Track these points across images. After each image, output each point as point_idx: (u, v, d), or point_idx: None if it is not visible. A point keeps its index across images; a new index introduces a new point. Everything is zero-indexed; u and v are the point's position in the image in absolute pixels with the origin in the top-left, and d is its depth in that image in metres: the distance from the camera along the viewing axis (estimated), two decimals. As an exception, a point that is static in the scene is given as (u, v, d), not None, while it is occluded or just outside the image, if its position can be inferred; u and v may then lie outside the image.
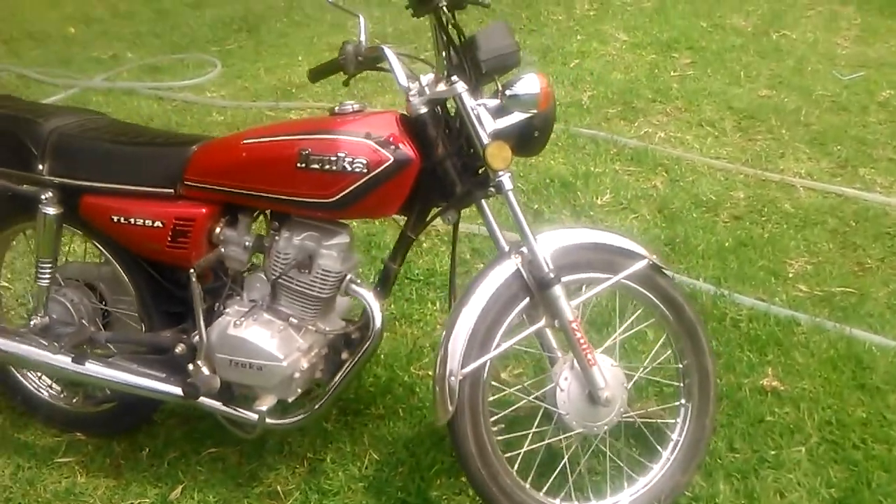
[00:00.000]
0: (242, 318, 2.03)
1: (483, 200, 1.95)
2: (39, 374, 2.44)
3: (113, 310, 2.34)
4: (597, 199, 3.40)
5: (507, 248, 1.94)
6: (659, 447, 2.11)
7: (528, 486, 1.98)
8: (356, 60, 1.97)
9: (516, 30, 5.27)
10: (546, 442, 2.04)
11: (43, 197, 2.13)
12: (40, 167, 2.12)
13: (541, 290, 1.89)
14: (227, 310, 2.08)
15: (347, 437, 2.35)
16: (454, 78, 1.87)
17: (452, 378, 1.88)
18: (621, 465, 2.08)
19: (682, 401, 2.11)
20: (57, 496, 2.22)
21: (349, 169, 1.87)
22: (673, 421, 2.11)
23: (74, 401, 2.43)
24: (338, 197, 1.90)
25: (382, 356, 2.60)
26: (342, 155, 1.87)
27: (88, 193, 2.13)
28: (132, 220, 2.09)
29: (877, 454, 2.17)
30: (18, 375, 2.45)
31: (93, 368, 2.18)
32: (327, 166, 1.88)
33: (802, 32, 5.22)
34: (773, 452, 2.19)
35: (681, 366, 2.10)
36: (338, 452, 2.30)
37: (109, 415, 2.41)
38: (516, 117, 1.92)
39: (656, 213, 3.31)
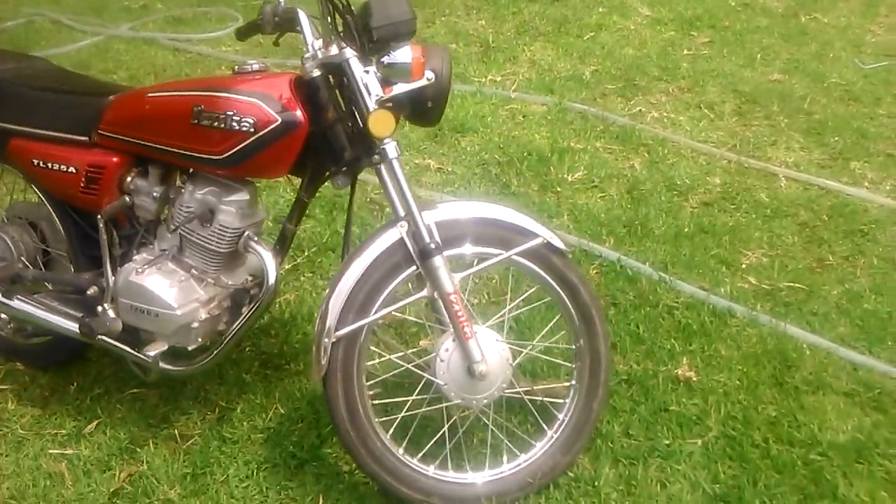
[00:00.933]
0: (146, 266, 2.10)
1: (382, 166, 1.95)
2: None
3: (52, 250, 2.45)
4: (568, 175, 3.35)
5: (402, 215, 1.94)
6: (545, 425, 2.11)
7: (401, 450, 2.02)
8: (273, 21, 1.99)
9: (538, -1, 5.21)
10: (423, 410, 2.07)
11: None
12: None
13: (422, 259, 1.90)
14: (136, 257, 2.16)
15: (262, 389, 2.41)
16: (343, 43, 1.88)
17: (326, 339, 1.92)
18: (503, 439, 2.09)
19: (573, 382, 2.10)
20: (-18, 420, 2.36)
21: (237, 128, 1.91)
22: (561, 401, 2.11)
23: (11, 332, 2.56)
24: (227, 154, 1.94)
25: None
26: (231, 113, 1.91)
27: (14, 136, 2.22)
28: (50, 165, 2.17)
29: (774, 454, 2.12)
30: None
31: (14, 303, 2.30)
32: (217, 123, 1.92)
33: (836, 17, 4.98)
34: (666, 442, 2.17)
35: (574, 347, 2.10)
36: (248, 403, 2.37)
37: (44, 348, 2.52)
38: (404, 87, 1.92)
39: (624, 193, 3.25)
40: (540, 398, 2.13)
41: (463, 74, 4.32)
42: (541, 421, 2.12)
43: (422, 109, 1.98)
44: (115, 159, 2.12)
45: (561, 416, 2.09)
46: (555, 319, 2.15)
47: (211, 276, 2.12)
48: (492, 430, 2.09)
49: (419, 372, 2.03)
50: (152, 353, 2.08)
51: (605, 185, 3.31)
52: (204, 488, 2.13)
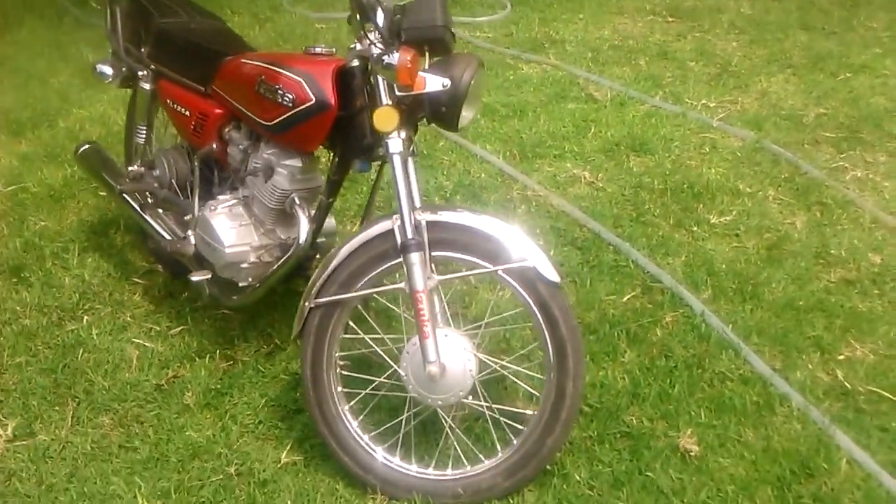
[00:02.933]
0: (220, 206, 2.45)
1: (397, 159, 2.06)
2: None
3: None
4: (714, 217, 3.15)
5: (405, 209, 2.05)
6: (499, 446, 2.12)
7: (356, 423, 2.16)
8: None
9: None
10: (383, 393, 2.18)
11: (140, 73, 2.73)
12: (143, 50, 2.72)
13: (401, 253, 2.01)
14: (219, 196, 2.51)
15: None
16: (373, 39, 2.01)
17: (306, 303, 2.11)
18: (454, 445, 2.13)
19: (535, 412, 2.08)
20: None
21: (281, 101, 2.15)
22: (520, 427, 2.10)
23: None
24: (273, 123, 2.20)
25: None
26: (279, 87, 2.15)
27: (163, 77, 2.68)
28: (176, 106, 2.59)
29: None
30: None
31: (135, 205, 2.80)
32: (269, 94, 2.18)
33: None
34: (622, 504, 2.06)
35: (544, 377, 2.07)
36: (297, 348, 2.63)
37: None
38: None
39: (762, 249, 2.98)
40: (500, 417, 2.13)
41: (680, 95, 4.16)
42: (496, 440, 2.13)
43: (438, 114, 2.07)
44: (217, 111, 2.47)
45: (515, 442, 2.09)
46: (533, 345, 2.13)
47: (267, 226, 2.41)
48: (447, 434, 2.15)
49: (384, 357, 2.15)
50: (195, 278, 2.44)
51: (748, 236, 3.05)
52: (217, 404, 2.45)
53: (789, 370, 2.44)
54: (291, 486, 2.17)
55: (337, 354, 2.16)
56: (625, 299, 2.75)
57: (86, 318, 2.84)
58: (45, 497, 2.18)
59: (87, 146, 3.07)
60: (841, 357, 2.49)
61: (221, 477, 2.22)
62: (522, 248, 2.02)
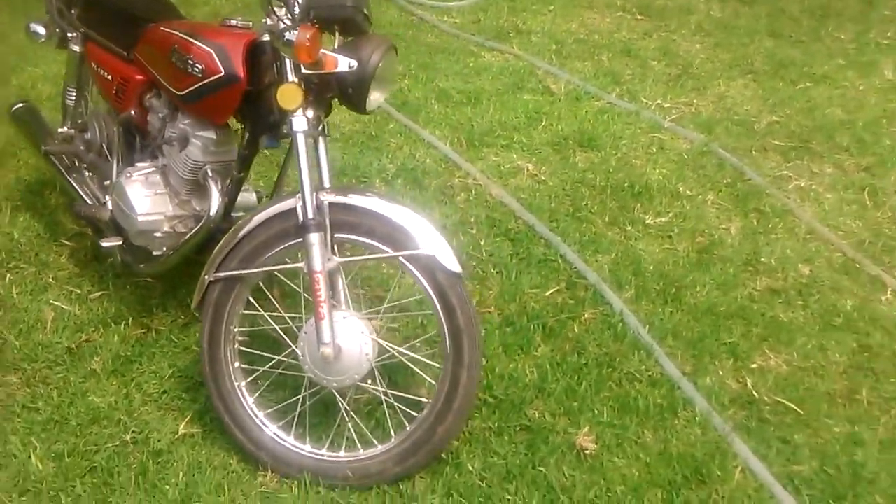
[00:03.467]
0: (136, 173, 2.43)
1: (300, 137, 2.01)
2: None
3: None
4: (650, 217, 3.14)
5: (306, 189, 2.01)
6: (393, 431, 2.11)
7: (251, 400, 2.15)
8: None
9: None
10: (279, 371, 2.17)
11: (70, 35, 2.70)
12: (73, 12, 2.68)
13: (301, 232, 1.99)
14: (137, 163, 2.49)
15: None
16: (280, 16, 1.98)
17: (206, 276, 2.10)
18: (349, 427, 2.13)
19: (429, 400, 2.07)
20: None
21: (191, 71, 2.12)
22: (414, 414, 2.09)
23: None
24: (184, 92, 2.17)
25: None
26: (190, 57, 2.12)
27: (91, 41, 2.64)
28: (100, 70, 2.56)
29: None
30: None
31: (55, 165, 2.77)
32: (181, 64, 2.15)
33: None
34: (508, 497, 2.05)
35: (439, 365, 2.06)
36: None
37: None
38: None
39: (693, 252, 2.97)
40: (395, 404, 2.13)
41: (636, 93, 4.14)
42: (390, 426, 2.13)
43: (346, 95, 2.05)
44: (138, 77, 2.44)
45: (408, 428, 2.08)
46: (431, 333, 2.12)
47: (182, 196, 2.39)
48: (343, 415, 2.14)
49: (282, 335, 2.14)
50: (105, 244, 2.42)
51: (680, 239, 3.04)
52: (124, 371, 2.44)
53: (699, 375, 2.45)
54: (186, 457, 2.16)
55: (235, 330, 2.14)
56: (548, 293, 2.75)
57: (9, 276, 2.82)
58: (-64, 454, 2.16)
59: (21, 105, 3.03)
60: (754, 365, 2.50)
61: (118, 444, 2.20)
62: (426, 236, 2.01)
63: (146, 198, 2.38)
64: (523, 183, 3.37)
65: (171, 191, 2.40)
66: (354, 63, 1.98)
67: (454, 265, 2.00)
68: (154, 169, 2.44)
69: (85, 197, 2.68)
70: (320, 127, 2.11)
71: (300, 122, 2.00)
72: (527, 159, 3.53)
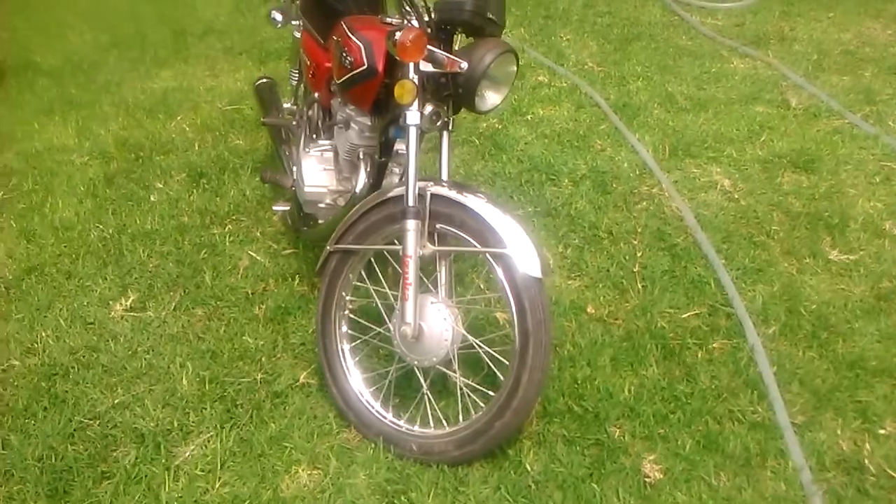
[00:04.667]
0: (313, 149, 2.76)
1: (412, 131, 2.17)
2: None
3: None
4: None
5: (411, 178, 2.15)
6: (462, 417, 2.22)
7: (351, 362, 2.38)
8: None
9: None
10: (374, 342, 2.37)
11: (293, 23, 3.10)
12: (297, 2, 3.08)
13: (401, 218, 2.17)
14: (320, 140, 2.82)
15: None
16: (408, 18, 2.15)
17: (328, 247, 2.36)
18: (427, 406, 2.27)
19: (493, 393, 2.15)
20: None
21: (343, 63, 2.37)
22: (482, 404, 2.19)
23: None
24: (339, 81, 2.43)
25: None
26: (345, 49, 2.38)
27: (304, 29, 3.02)
28: (304, 55, 2.93)
29: None
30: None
31: (271, 134, 3.20)
32: (339, 56, 2.41)
33: None
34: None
35: (508, 363, 2.13)
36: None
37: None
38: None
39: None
40: (466, 391, 2.23)
41: (886, 116, 3.71)
42: (460, 412, 2.24)
43: (456, 94, 2.17)
44: (326, 64, 2.75)
45: (472, 417, 2.18)
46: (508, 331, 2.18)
47: (344, 174, 2.68)
48: (422, 393, 2.29)
49: (381, 310, 2.34)
50: (276, 208, 2.79)
51: (861, 282, 2.74)
52: (280, 320, 2.78)
53: (811, 428, 2.24)
54: (296, 403, 2.46)
55: (347, 298, 2.38)
56: (684, 315, 2.65)
57: (229, 225, 3.33)
58: (128, 360, 2.66)
59: (264, 80, 3.53)
60: (882, 431, 2.22)
61: (249, 381, 2.56)
62: (514, 237, 2.08)
63: (317, 171, 2.70)
64: (712, 199, 3.22)
65: (336, 168, 2.69)
66: (465, 64, 2.10)
67: (535, 269, 2.05)
68: (330, 147, 2.75)
69: (286, 166, 3.09)
70: (439, 122, 2.25)
71: (413, 116, 2.17)
72: (727, 175, 3.36)
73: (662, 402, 2.34)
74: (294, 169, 2.88)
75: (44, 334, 2.75)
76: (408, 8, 2.16)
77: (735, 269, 2.82)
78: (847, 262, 2.83)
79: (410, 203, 2.14)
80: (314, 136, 2.87)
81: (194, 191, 3.55)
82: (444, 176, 2.27)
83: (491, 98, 2.20)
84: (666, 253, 2.94)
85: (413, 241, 2.12)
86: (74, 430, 2.38)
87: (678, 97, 3.97)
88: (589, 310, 2.69)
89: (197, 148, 3.89)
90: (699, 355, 2.49)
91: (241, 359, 2.65)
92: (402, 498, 2.13)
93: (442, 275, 2.25)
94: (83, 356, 2.65)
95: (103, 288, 2.97)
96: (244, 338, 2.74)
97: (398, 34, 2.05)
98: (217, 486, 2.19)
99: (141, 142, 3.97)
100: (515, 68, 2.22)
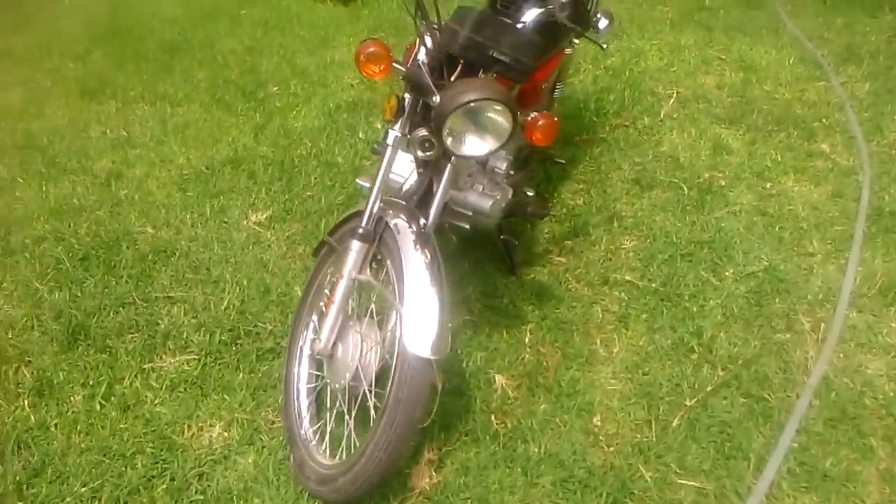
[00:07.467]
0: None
1: (388, 148, 2.11)
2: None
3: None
4: None
5: (371, 201, 2.06)
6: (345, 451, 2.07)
7: (306, 346, 2.28)
8: None
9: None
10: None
11: None
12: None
13: (350, 236, 2.05)
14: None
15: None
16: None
17: (327, 235, 2.29)
18: (327, 423, 2.14)
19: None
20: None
21: None
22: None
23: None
24: None
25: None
26: None
27: None
28: None
29: None
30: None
31: None
32: None
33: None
34: None
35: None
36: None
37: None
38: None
39: None
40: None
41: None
42: (343, 448, 2.07)
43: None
44: None
45: (340, 459, 2.04)
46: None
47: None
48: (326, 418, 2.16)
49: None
50: (357, 180, 2.77)
51: None
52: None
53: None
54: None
55: (326, 291, 2.25)
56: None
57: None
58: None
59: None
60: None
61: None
62: (422, 309, 1.90)
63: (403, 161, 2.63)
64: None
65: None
66: (437, 98, 1.90)
67: (423, 348, 1.86)
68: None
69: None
70: (431, 152, 2.07)
71: (391, 134, 2.07)
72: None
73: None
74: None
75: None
76: (421, 20, 1.99)
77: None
78: None
79: (363, 223, 2.03)
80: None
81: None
82: (431, 213, 2.12)
83: (472, 144, 1.99)
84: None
85: (350, 263, 2.02)
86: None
87: None
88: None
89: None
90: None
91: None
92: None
93: (371, 305, 2.09)
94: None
95: (255, 200, 3.31)
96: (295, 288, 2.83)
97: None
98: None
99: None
100: (504, 119, 1.92)
